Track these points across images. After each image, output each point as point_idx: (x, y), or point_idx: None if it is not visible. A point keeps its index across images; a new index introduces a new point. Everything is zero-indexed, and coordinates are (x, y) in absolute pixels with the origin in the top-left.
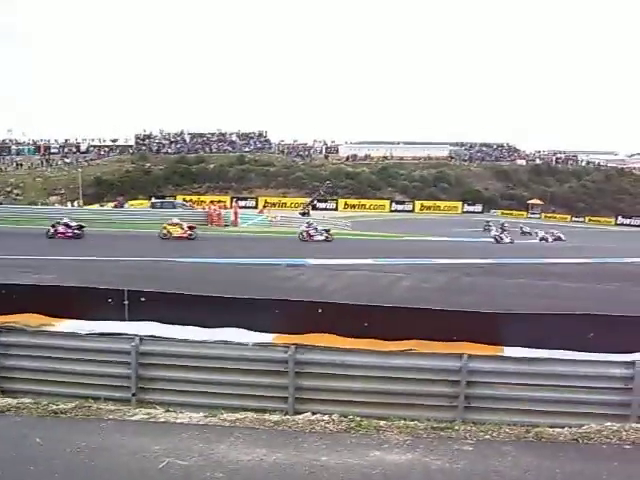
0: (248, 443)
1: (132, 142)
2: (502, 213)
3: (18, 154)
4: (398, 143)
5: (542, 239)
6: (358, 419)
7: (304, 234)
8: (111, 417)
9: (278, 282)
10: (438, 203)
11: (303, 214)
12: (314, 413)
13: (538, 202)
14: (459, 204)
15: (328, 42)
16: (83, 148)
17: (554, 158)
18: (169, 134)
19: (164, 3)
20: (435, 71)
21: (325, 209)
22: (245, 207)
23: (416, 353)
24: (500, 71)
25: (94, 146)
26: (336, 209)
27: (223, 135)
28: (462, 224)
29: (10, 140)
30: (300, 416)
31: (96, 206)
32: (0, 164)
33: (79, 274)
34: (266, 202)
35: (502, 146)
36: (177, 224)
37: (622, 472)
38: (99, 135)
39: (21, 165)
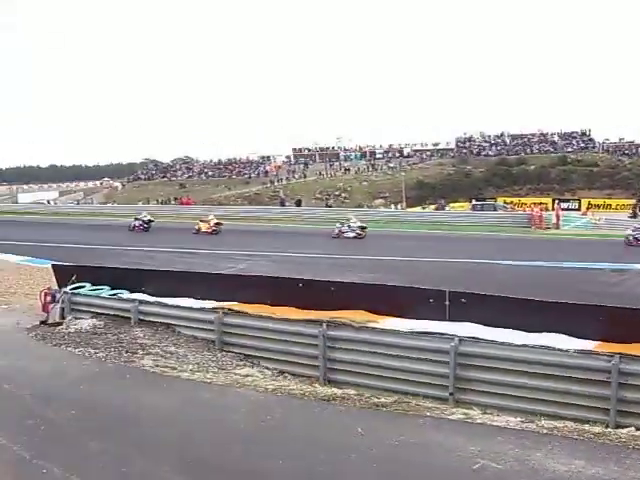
0: (566, 453)
1: (453, 145)
2: None
3: (346, 160)
4: None
5: None
6: None
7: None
8: (429, 414)
9: (601, 287)
10: None
11: (632, 216)
12: (638, 428)
13: None
14: None
15: None
16: (406, 152)
17: None
18: (489, 136)
19: None
20: None
21: None
22: (567, 209)
23: None
24: None
25: (416, 150)
26: None
27: (544, 135)
28: None
29: (339, 147)
30: (623, 430)
31: (418, 209)
32: (330, 169)
33: (396, 274)
34: (589, 204)
35: None
36: (206, 221)
37: None
38: (421, 140)
39: (348, 170)
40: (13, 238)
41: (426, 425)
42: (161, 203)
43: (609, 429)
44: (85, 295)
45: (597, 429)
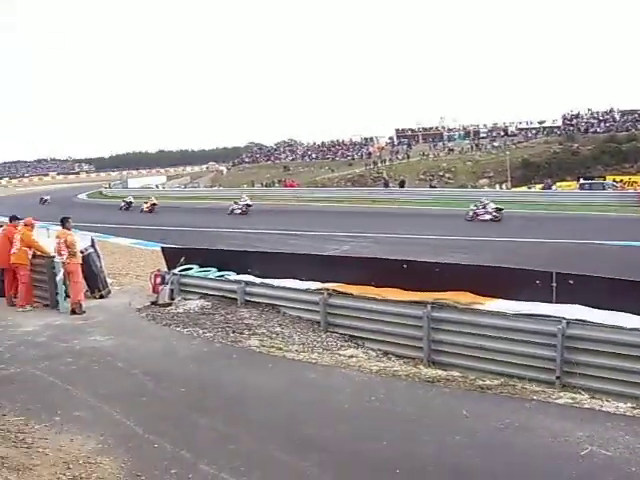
0: None
1: (559, 123)
2: None
3: (449, 140)
4: None
5: None
6: None
7: None
8: (535, 398)
9: None
10: None
11: None
12: None
13: None
14: None
15: None
16: (511, 131)
17: None
18: (597, 113)
19: None
20: None
21: None
22: None
23: None
24: None
25: (521, 129)
26: None
27: None
28: None
29: (442, 127)
30: None
31: (523, 188)
32: (434, 150)
33: (502, 255)
34: None
35: None
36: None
37: None
38: (526, 117)
39: (452, 150)
40: (124, 222)
41: (532, 409)
42: (265, 186)
43: None
44: (193, 277)
45: None
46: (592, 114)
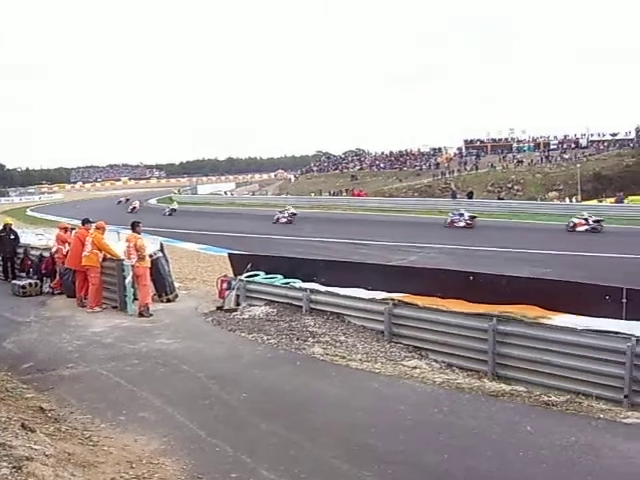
0: None
1: (632, 135)
2: None
3: (519, 151)
4: None
5: None
6: None
7: None
8: (602, 416)
9: None
10: None
11: None
12: None
13: None
14: None
15: None
16: (582, 143)
17: None
18: None
19: None
20: None
21: None
22: None
23: None
24: None
25: (593, 141)
26: None
27: None
28: None
29: (512, 138)
30: None
31: (594, 202)
32: (503, 161)
33: (572, 269)
34: None
35: None
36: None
37: None
38: (598, 129)
39: (521, 162)
40: (192, 227)
41: (599, 427)
42: (333, 194)
43: None
44: (259, 283)
45: None
46: None
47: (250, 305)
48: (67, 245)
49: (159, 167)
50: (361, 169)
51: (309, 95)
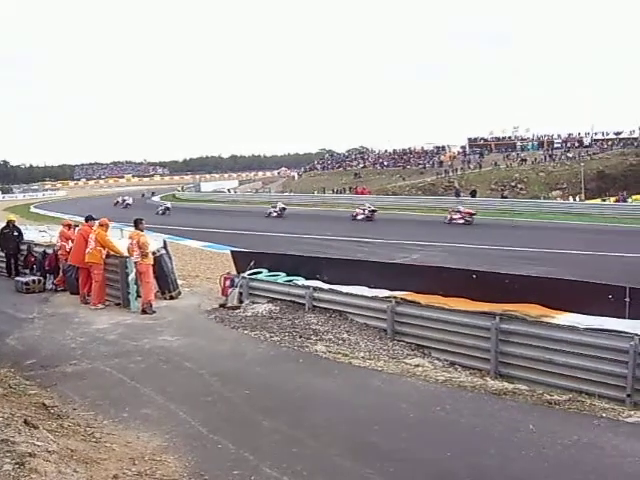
0: None
1: (637, 134)
2: None
3: (522, 150)
4: None
5: None
6: None
7: None
8: (604, 415)
9: None
10: None
11: None
12: None
13: None
14: None
15: None
16: (586, 142)
17: None
18: None
19: None
20: None
21: None
22: None
23: None
24: None
25: (597, 140)
26: None
27: None
28: None
29: (515, 137)
30: None
31: (598, 200)
32: (506, 160)
33: (577, 268)
34: None
35: None
36: None
37: None
38: (602, 128)
39: (525, 161)
40: (194, 224)
41: (601, 426)
42: (336, 192)
43: None
44: (262, 281)
45: None
46: None
47: (253, 302)
48: (70, 242)
49: (163, 164)
50: (364, 167)
51: (313, 93)
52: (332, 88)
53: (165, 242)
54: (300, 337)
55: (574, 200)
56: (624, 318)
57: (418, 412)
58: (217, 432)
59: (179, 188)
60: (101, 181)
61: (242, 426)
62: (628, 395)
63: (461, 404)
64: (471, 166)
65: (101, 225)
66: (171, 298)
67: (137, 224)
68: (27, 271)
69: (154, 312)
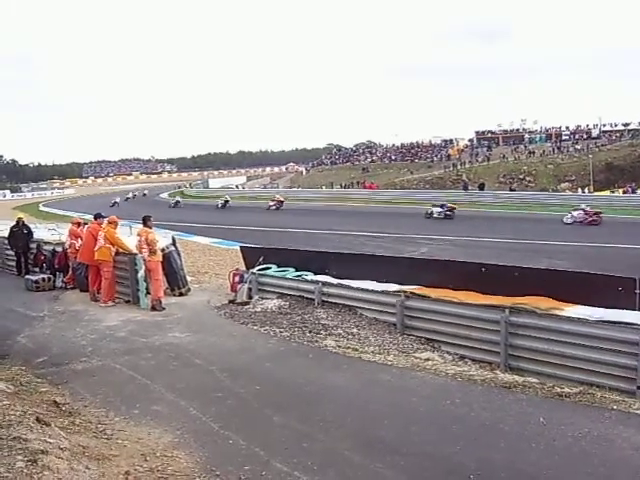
0: None
1: None
2: None
3: (530, 142)
4: None
5: None
6: None
7: None
8: (615, 408)
9: None
10: None
11: None
12: None
13: None
14: None
15: None
16: (594, 134)
17: None
18: None
19: None
20: None
21: None
22: None
23: None
24: None
25: (605, 131)
26: None
27: None
28: None
29: (523, 129)
30: None
31: (606, 192)
32: (514, 153)
33: (591, 261)
34: None
35: None
36: None
37: None
38: (611, 120)
39: (533, 153)
40: (201, 221)
41: (612, 419)
42: (344, 187)
43: None
44: (271, 276)
45: None
46: None
47: (262, 298)
48: (80, 240)
49: (171, 161)
50: (372, 161)
51: (320, 88)
52: (339, 83)
53: (174, 239)
54: (310, 332)
55: (583, 192)
56: (635, 310)
57: (428, 406)
58: (228, 428)
59: (187, 185)
60: (109, 179)
61: (252, 421)
62: (639, 387)
63: (471, 397)
64: (479, 159)
65: (110, 223)
66: (180, 295)
67: (145, 221)
68: (37, 269)
69: (164, 309)
